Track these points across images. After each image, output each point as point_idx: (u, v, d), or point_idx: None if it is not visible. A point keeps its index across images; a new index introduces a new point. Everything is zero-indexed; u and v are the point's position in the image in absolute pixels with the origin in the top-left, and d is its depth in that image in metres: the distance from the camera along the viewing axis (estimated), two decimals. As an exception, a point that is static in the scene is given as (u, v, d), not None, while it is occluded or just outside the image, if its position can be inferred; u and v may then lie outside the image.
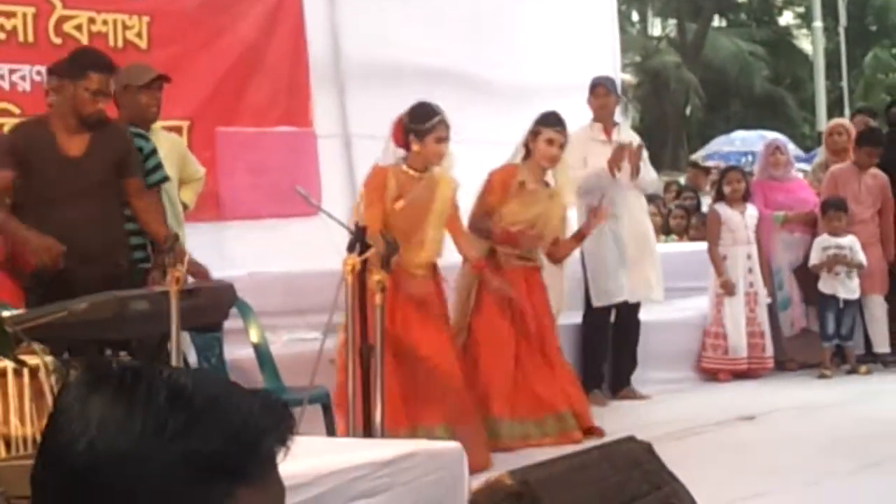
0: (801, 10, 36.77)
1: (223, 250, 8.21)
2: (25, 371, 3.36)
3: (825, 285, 9.82)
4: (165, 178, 6.44)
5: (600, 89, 9.14)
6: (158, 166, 6.37)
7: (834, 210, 9.84)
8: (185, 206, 7.09)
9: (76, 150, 5.91)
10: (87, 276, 5.52)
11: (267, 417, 1.45)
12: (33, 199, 5.83)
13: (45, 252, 5.54)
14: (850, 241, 9.81)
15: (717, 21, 37.75)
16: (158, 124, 6.94)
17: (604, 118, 9.10)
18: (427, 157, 6.98)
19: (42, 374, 3.39)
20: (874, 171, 10.28)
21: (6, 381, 3.35)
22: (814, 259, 9.86)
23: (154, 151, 6.37)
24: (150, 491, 1.36)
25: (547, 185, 7.81)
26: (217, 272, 6.99)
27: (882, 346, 10.24)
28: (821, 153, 11.70)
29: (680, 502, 4.33)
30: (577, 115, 10.36)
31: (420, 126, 6.96)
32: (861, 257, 9.78)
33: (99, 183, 5.89)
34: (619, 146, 8.78)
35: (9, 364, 3.45)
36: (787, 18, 39.84)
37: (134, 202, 6.05)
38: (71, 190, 5.82)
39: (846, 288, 9.86)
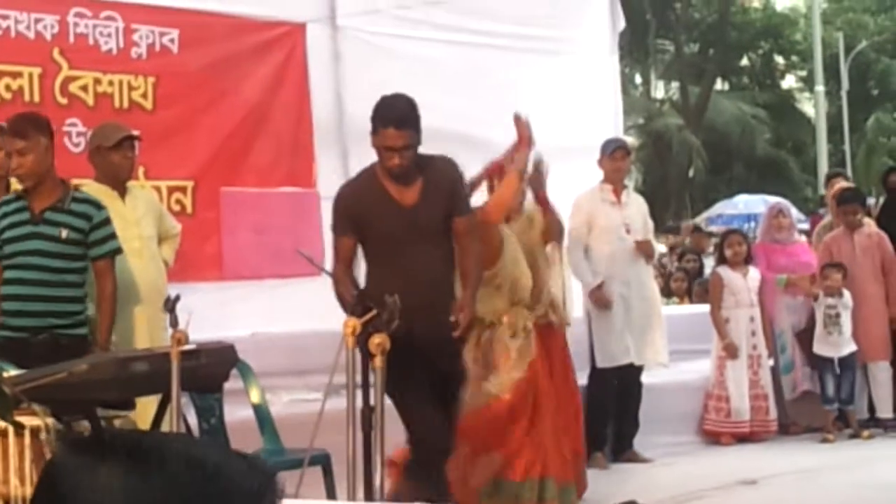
0: (803, 73, 37.03)
1: (226, 310, 8.20)
2: (27, 431, 3.35)
3: (820, 347, 9.81)
4: (118, 250, 6.27)
5: (619, 153, 9.17)
6: (110, 236, 6.24)
7: (831, 270, 9.85)
8: (165, 264, 7.04)
9: (410, 199, 6.04)
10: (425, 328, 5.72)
11: (260, 484, 1.45)
12: (377, 251, 6.04)
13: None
14: (845, 296, 9.83)
15: (719, 84, 37.98)
16: (134, 182, 6.97)
17: (616, 180, 9.12)
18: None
19: (42, 435, 3.38)
20: (868, 229, 10.29)
21: (7, 441, 3.33)
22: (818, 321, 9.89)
23: (106, 221, 6.23)
24: None
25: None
26: (220, 332, 6.99)
27: (885, 411, 10.19)
28: (827, 215, 11.71)
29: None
30: (580, 177, 10.43)
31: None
32: (848, 302, 9.79)
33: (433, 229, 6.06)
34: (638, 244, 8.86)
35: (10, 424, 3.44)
36: (789, 82, 40.10)
37: None
38: (410, 238, 5.98)
39: (839, 347, 9.85)
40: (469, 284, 6.04)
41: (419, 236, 5.94)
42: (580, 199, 8.53)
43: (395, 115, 5.90)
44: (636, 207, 9.28)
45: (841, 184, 11.57)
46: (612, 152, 9.13)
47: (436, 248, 6.01)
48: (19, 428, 3.14)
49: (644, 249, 8.98)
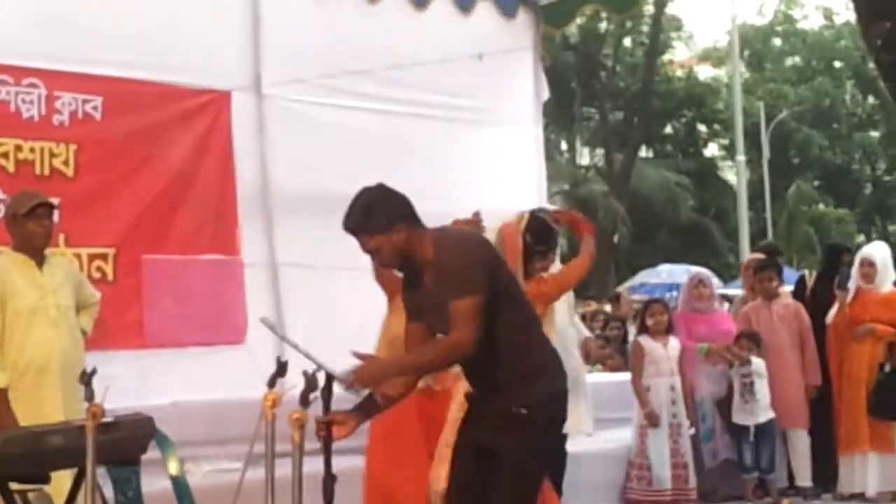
0: (725, 142, 37.53)
1: (147, 378, 8.14)
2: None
3: (737, 416, 9.86)
4: None
5: None
6: None
7: (745, 339, 9.94)
8: (83, 333, 6.97)
9: None
10: None
11: None
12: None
13: None
14: (756, 363, 9.91)
15: (644, 151, 38.36)
16: (53, 250, 6.87)
17: None
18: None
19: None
20: (786, 301, 10.41)
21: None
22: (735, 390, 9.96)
23: None
24: None
25: None
26: (140, 401, 6.92)
27: (804, 479, 10.23)
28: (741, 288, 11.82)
29: None
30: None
31: (543, 247, 7.04)
32: (761, 370, 9.88)
33: None
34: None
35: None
36: (712, 150, 40.63)
37: None
38: None
39: (756, 415, 9.92)
40: None
41: None
42: None
43: (347, 226, 5.58)
44: None
45: (755, 255, 11.68)
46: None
47: None
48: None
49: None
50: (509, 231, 7.05)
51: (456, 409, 6.50)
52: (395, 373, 5.49)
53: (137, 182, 8.65)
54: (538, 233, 7.00)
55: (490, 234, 7.05)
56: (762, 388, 9.98)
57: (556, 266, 7.78)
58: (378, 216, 5.32)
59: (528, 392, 5.40)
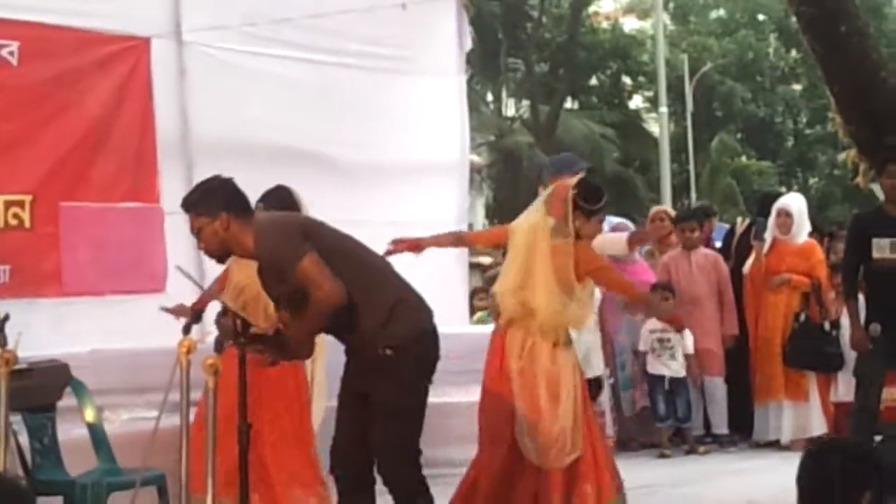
0: (650, 94, 37.60)
1: (64, 326, 8.11)
2: None
3: (652, 366, 9.97)
4: None
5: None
6: None
7: (661, 290, 9.99)
8: None
9: None
10: None
11: None
12: None
13: None
14: (678, 339, 10.05)
15: (569, 103, 38.42)
16: None
17: None
18: (589, 234, 6.93)
19: None
20: (704, 250, 10.53)
21: None
22: (641, 346, 10.05)
23: None
24: None
25: None
26: (58, 349, 6.89)
27: (720, 427, 10.38)
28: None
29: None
30: (427, 192, 10.48)
31: (592, 206, 6.88)
32: (688, 345, 9.99)
33: None
34: None
35: None
36: (636, 102, 40.76)
37: None
38: None
39: (671, 368, 10.04)
40: None
41: None
42: None
43: (182, 203, 5.80)
44: None
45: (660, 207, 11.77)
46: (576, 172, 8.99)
47: None
48: None
49: None
50: (562, 185, 7.03)
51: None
52: (297, 346, 5.76)
53: (55, 129, 8.57)
54: (587, 191, 6.94)
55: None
56: (677, 343, 10.08)
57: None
58: (208, 200, 5.58)
59: (390, 333, 5.59)
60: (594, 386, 8.68)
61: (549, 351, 6.77)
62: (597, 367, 8.97)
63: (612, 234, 9.63)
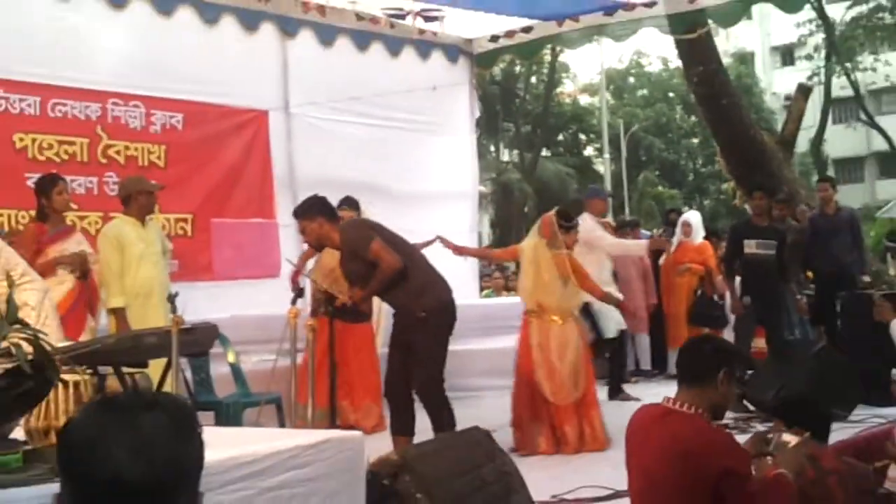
0: (598, 145, 37.39)
1: (215, 300, 8.10)
2: (70, 385, 3.28)
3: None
4: None
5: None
6: None
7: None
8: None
9: None
10: None
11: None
12: None
13: None
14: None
15: (544, 152, 38.24)
16: (149, 216, 6.70)
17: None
18: (569, 243, 6.90)
19: (82, 387, 3.31)
20: None
21: (57, 392, 3.27)
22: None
23: None
24: None
25: None
26: (210, 315, 6.88)
27: (646, 364, 10.39)
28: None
29: (508, 469, 4.35)
30: (449, 213, 10.47)
31: (568, 224, 6.90)
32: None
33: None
34: None
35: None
36: (589, 151, 40.54)
37: None
38: None
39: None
40: None
41: None
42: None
43: (294, 213, 6.01)
44: None
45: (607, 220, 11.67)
46: (603, 198, 9.16)
47: None
48: (63, 383, 3.06)
49: None
50: (546, 216, 7.05)
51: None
52: (367, 295, 5.84)
53: (207, 171, 8.62)
54: (563, 215, 6.98)
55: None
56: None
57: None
58: (309, 209, 5.65)
59: (423, 302, 5.62)
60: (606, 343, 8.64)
61: (560, 326, 6.76)
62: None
63: (636, 241, 9.59)
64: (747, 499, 3.17)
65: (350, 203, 7.35)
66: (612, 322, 8.76)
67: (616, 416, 6.90)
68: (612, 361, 8.95)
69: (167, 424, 1.33)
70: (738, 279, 8.66)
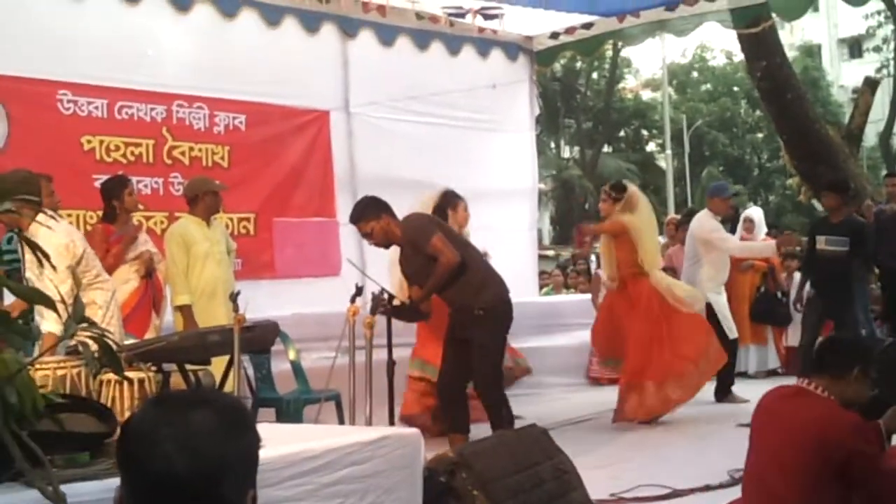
0: (660, 141, 37.05)
1: (276, 298, 8.18)
2: (135, 382, 3.37)
3: None
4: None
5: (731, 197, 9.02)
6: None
7: (667, 272, 9.80)
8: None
9: None
10: None
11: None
12: None
13: None
14: None
15: (606, 148, 38.00)
16: (214, 215, 6.77)
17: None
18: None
19: (146, 384, 3.41)
20: None
21: (123, 387, 3.37)
22: None
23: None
24: None
25: None
26: (272, 312, 6.94)
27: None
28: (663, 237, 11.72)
29: (566, 468, 4.35)
30: (511, 207, 10.46)
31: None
32: None
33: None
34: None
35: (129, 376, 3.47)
36: (651, 147, 40.18)
37: None
38: None
39: None
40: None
41: None
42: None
43: (352, 219, 5.92)
44: None
45: (673, 216, 11.63)
46: (726, 197, 8.67)
47: None
48: (128, 380, 3.16)
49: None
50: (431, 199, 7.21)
51: None
52: (427, 294, 5.76)
53: (269, 171, 8.70)
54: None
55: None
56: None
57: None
58: (372, 209, 5.60)
59: (482, 299, 5.60)
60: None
61: None
62: None
63: (763, 242, 9.37)
64: (879, 478, 3.25)
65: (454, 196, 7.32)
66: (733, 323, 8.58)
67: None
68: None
69: (215, 421, 1.39)
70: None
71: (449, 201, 7.12)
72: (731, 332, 8.27)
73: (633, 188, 7.72)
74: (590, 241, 8.95)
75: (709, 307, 7.93)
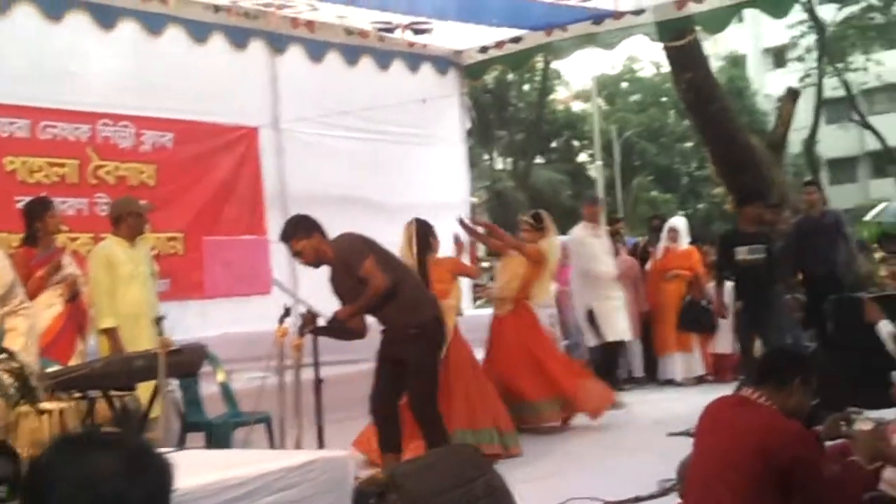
0: (591, 152, 37.44)
1: (206, 318, 8.13)
2: (55, 412, 3.29)
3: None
4: None
5: (594, 205, 9.89)
6: None
7: None
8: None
9: None
10: None
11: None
12: None
13: None
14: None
15: (538, 159, 38.29)
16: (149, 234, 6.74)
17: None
18: None
19: (66, 414, 3.33)
20: (625, 257, 10.57)
21: (41, 418, 3.28)
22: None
23: None
24: None
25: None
26: (202, 333, 6.90)
27: (637, 372, 10.38)
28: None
29: (497, 484, 4.35)
30: (442, 225, 10.44)
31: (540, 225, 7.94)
32: None
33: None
34: None
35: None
36: (582, 157, 40.58)
37: None
38: None
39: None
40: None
41: None
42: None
43: (282, 237, 5.74)
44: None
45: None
46: (589, 204, 9.83)
47: None
48: (42, 412, 3.08)
49: None
50: (410, 229, 7.15)
51: None
52: (351, 314, 5.64)
53: (198, 189, 8.61)
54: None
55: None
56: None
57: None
58: (303, 227, 5.52)
59: (415, 319, 5.58)
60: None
61: None
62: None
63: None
64: (818, 486, 3.33)
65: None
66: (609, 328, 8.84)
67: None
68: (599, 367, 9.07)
69: (118, 463, 1.39)
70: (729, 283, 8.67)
71: (428, 229, 7.13)
72: (611, 335, 8.81)
73: (546, 215, 8.11)
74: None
75: (591, 313, 8.44)
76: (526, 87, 37.36)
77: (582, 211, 9.36)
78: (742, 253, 8.28)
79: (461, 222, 7.47)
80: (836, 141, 39.83)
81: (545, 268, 7.81)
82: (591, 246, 9.08)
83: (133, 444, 1.44)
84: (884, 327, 5.77)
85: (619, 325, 9.22)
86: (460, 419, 6.52)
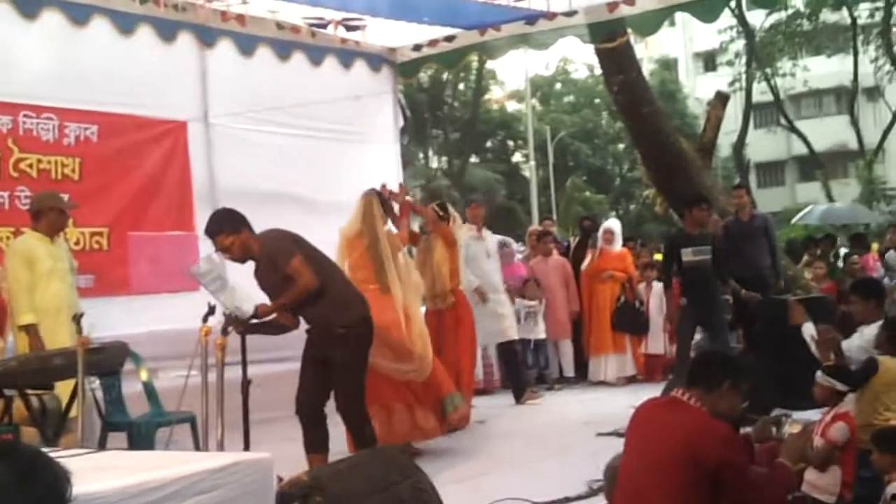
0: (525, 152, 37.67)
1: (132, 315, 7.93)
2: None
3: (521, 333, 9.88)
4: None
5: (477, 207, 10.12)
6: None
7: (532, 282, 10.11)
8: None
9: None
10: None
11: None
12: None
13: None
14: (537, 303, 10.06)
15: (473, 158, 38.38)
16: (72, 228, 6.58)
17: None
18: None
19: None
20: (556, 256, 10.60)
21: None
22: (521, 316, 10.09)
23: None
24: None
25: None
26: (127, 330, 6.76)
27: (569, 372, 10.44)
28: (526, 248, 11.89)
29: (424, 486, 4.31)
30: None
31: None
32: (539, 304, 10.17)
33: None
34: None
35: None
36: (516, 157, 40.81)
37: None
38: None
39: (535, 332, 10.09)
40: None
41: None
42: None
43: (207, 232, 5.61)
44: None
45: (535, 227, 11.90)
46: (472, 205, 10.15)
47: None
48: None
49: None
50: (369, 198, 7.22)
51: None
52: (274, 309, 5.56)
53: (124, 184, 8.40)
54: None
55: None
56: (539, 316, 10.12)
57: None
58: (230, 223, 5.42)
59: (343, 318, 5.52)
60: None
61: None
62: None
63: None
64: (745, 487, 3.37)
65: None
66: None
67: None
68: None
69: (7, 473, 1.32)
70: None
71: (383, 198, 7.16)
72: (481, 339, 8.92)
73: (450, 206, 8.40)
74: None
75: None
76: (461, 86, 37.46)
77: (465, 212, 9.45)
78: (688, 254, 8.38)
79: (389, 192, 7.44)
80: (764, 145, 40.67)
81: (458, 252, 8.05)
82: (470, 248, 9.09)
83: (24, 454, 1.37)
84: (807, 329, 5.86)
85: (492, 328, 9.19)
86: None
